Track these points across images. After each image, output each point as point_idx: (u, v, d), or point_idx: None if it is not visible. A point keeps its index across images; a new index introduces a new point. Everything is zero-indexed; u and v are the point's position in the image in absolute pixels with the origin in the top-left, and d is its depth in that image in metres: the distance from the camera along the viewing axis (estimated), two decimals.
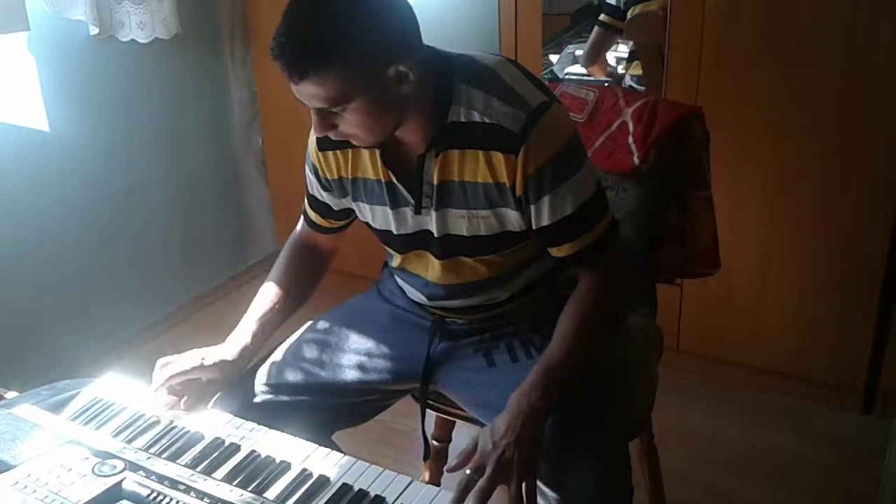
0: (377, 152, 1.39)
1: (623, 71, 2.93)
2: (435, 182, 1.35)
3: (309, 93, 1.22)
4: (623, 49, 2.95)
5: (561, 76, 3.02)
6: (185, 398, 1.37)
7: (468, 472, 1.21)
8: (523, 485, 1.21)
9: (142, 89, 2.81)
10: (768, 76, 2.22)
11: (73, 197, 2.63)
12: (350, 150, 1.43)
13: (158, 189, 2.94)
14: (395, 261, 1.54)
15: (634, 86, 2.83)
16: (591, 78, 2.97)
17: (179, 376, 1.38)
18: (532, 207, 1.32)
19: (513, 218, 1.35)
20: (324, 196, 1.54)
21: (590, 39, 2.90)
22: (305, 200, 1.60)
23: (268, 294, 1.56)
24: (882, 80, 2.09)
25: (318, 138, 1.46)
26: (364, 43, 1.19)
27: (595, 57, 2.91)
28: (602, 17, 2.83)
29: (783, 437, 2.35)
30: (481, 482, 1.18)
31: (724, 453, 2.29)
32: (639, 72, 2.80)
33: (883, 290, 2.25)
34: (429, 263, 1.46)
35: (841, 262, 2.28)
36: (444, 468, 1.26)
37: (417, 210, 1.39)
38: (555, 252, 1.38)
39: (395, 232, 1.45)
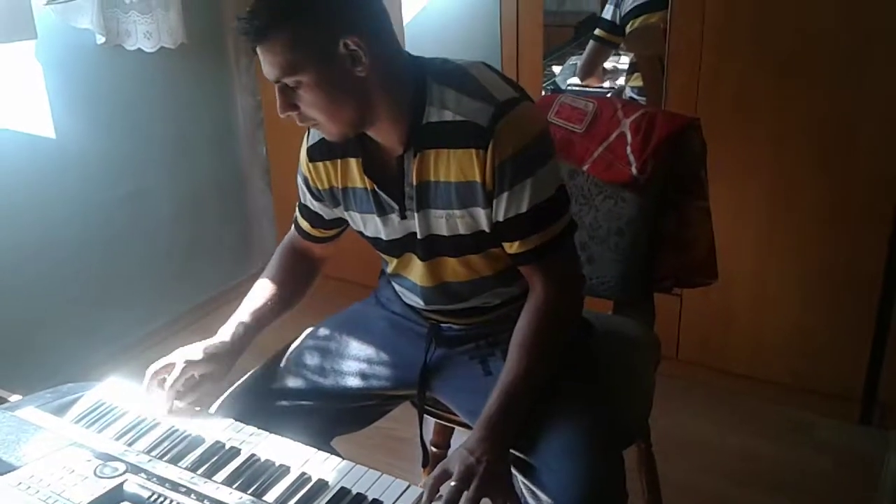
0: (360, 161, 1.41)
1: (623, 83, 2.95)
2: (414, 182, 1.37)
3: (266, 60, 1.27)
4: (624, 61, 2.97)
5: (563, 87, 3.04)
6: (184, 398, 1.40)
7: (453, 483, 1.21)
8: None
9: (147, 98, 2.84)
10: (767, 87, 2.24)
11: (79, 203, 2.65)
12: (339, 161, 1.46)
13: (163, 196, 2.96)
14: (390, 266, 1.55)
15: (635, 97, 2.84)
16: (592, 89, 2.98)
17: (175, 383, 1.38)
18: (495, 202, 1.34)
19: (483, 217, 1.36)
20: (315, 206, 1.57)
21: (585, 53, 2.92)
22: (297, 209, 1.63)
23: (262, 290, 1.59)
24: (880, 90, 2.10)
25: (308, 149, 1.50)
26: (312, 11, 1.25)
27: (590, 71, 2.93)
28: (597, 31, 2.85)
29: (782, 446, 2.35)
30: (470, 492, 1.19)
31: (723, 462, 2.30)
32: (639, 83, 2.82)
33: (881, 300, 2.26)
34: (415, 266, 1.48)
35: (839, 273, 2.29)
36: (419, 485, 1.26)
37: (402, 214, 1.41)
38: (507, 248, 1.39)
39: (384, 238, 1.47)
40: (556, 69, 3.13)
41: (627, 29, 2.74)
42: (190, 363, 1.42)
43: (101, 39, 2.53)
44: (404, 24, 2.78)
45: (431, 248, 1.43)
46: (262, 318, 1.55)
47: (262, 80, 3.17)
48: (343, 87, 1.29)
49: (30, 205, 2.50)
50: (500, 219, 1.34)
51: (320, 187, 1.52)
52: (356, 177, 1.44)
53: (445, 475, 1.23)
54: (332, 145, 1.43)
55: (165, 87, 2.89)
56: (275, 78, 1.28)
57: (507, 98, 1.31)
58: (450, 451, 1.92)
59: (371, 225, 1.48)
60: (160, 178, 2.94)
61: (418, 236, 1.42)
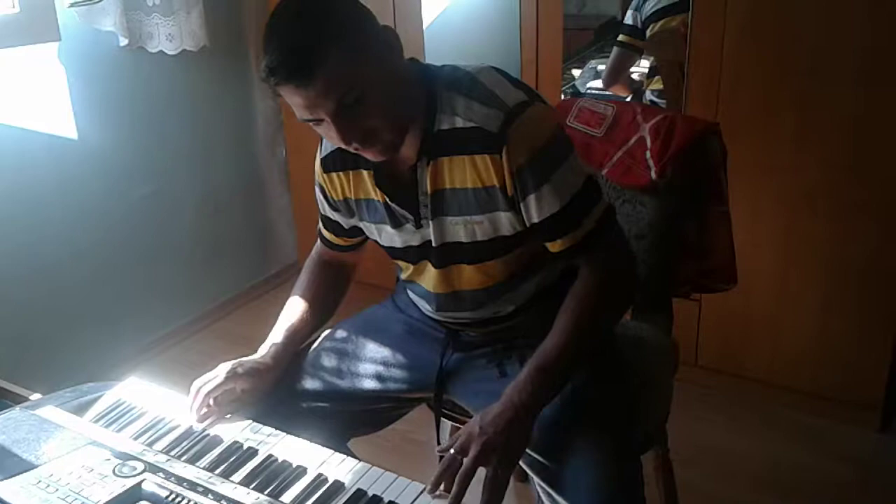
0: (372, 173, 1.41)
1: (644, 86, 2.93)
2: (429, 191, 1.37)
3: (323, 92, 1.21)
4: (644, 64, 2.95)
5: (583, 91, 3.03)
6: (221, 409, 1.40)
7: (452, 452, 1.23)
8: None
9: (169, 99, 2.86)
10: (788, 91, 2.22)
11: (100, 204, 2.68)
12: (352, 172, 1.46)
13: (183, 197, 2.98)
14: (405, 273, 1.55)
15: (655, 100, 2.83)
16: (609, 93, 2.97)
17: (215, 390, 1.40)
18: (521, 206, 1.33)
19: (505, 220, 1.36)
20: (334, 216, 1.57)
21: (609, 60, 2.89)
22: (319, 221, 1.63)
23: (295, 306, 1.59)
24: None
25: (322, 160, 1.50)
26: (349, 25, 1.24)
27: (616, 77, 2.90)
28: (620, 37, 2.83)
29: (801, 453, 2.34)
30: (465, 462, 1.20)
31: (742, 469, 2.29)
32: (660, 86, 2.81)
33: None
34: (429, 273, 1.48)
35: (860, 279, 2.27)
36: (436, 450, 1.27)
37: (417, 224, 1.41)
38: (550, 247, 1.39)
39: (400, 247, 1.48)
40: (576, 73, 3.11)
41: (648, 33, 2.72)
42: (232, 377, 1.43)
43: (123, 41, 2.55)
44: (424, 28, 2.79)
45: (447, 255, 1.42)
46: (299, 333, 1.57)
47: None
48: (393, 78, 1.29)
49: (52, 205, 2.52)
50: (536, 220, 1.34)
51: (335, 197, 1.52)
52: (369, 188, 1.44)
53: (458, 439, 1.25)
54: (344, 156, 1.43)
55: (187, 89, 2.91)
56: (334, 105, 1.23)
57: (517, 102, 1.30)
58: None
59: (386, 235, 1.48)
60: (180, 179, 2.96)
61: (433, 244, 1.42)
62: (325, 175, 1.51)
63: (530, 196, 1.31)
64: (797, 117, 2.23)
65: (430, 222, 1.39)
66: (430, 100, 1.34)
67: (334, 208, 1.55)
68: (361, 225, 1.53)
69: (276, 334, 1.55)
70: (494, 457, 1.22)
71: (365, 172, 1.44)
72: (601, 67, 3.12)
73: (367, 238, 1.61)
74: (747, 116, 2.28)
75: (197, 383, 1.41)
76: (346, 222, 1.56)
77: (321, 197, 1.57)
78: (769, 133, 2.27)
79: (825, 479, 2.24)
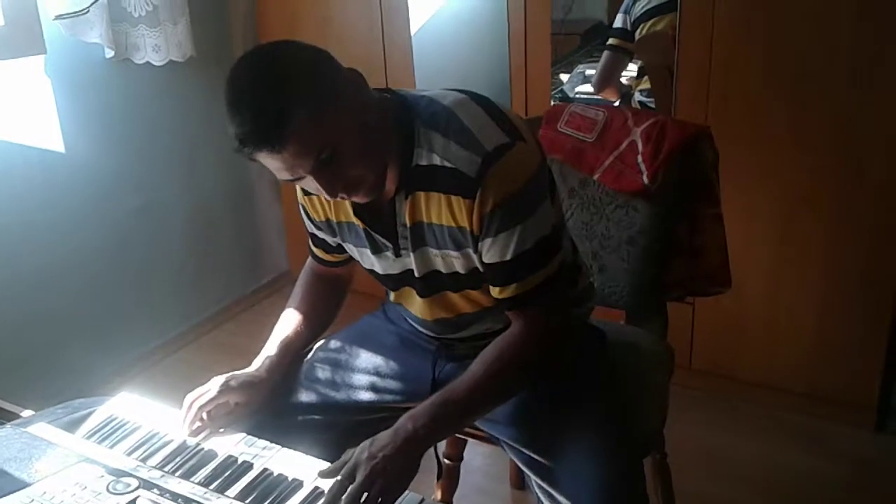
0: (351, 202, 1.38)
1: (632, 87, 2.93)
2: (408, 223, 1.35)
3: (297, 153, 1.19)
4: (632, 66, 2.95)
5: (571, 95, 3.03)
6: (215, 422, 1.38)
7: (339, 478, 1.20)
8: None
9: (157, 111, 2.85)
10: (779, 93, 2.23)
11: (88, 217, 2.66)
12: None
13: (172, 209, 2.97)
14: (391, 295, 1.56)
15: (644, 100, 2.83)
16: (600, 97, 2.97)
17: (208, 404, 1.38)
18: (480, 245, 1.32)
19: (475, 258, 1.35)
20: (320, 234, 1.56)
21: (600, 64, 2.87)
22: (309, 240, 1.62)
23: (290, 319, 1.58)
24: (892, 98, 2.09)
25: None
26: (310, 85, 1.19)
27: (607, 81, 2.89)
28: (611, 40, 2.82)
29: (797, 454, 2.34)
30: (352, 488, 1.17)
31: (738, 471, 2.28)
32: (648, 86, 2.81)
33: (895, 307, 2.25)
34: (414, 300, 1.48)
35: (853, 280, 2.27)
36: (318, 472, 1.24)
37: (397, 253, 1.40)
38: (492, 291, 1.38)
39: (381, 273, 1.47)
40: (564, 77, 3.12)
41: (637, 35, 2.72)
42: (225, 390, 1.41)
43: (109, 53, 2.54)
44: (412, 34, 2.78)
45: (431, 284, 1.42)
46: (293, 345, 1.55)
47: None
48: (364, 124, 1.25)
49: (39, 219, 2.51)
50: (487, 262, 1.33)
51: (316, 218, 1.52)
52: (349, 211, 1.42)
53: (345, 463, 1.23)
54: None
55: (174, 100, 2.90)
56: (312, 163, 1.21)
57: (496, 146, 1.26)
58: (462, 465, 1.92)
59: (366, 258, 1.48)
60: (170, 191, 2.95)
61: (416, 274, 1.41)
62: (305, 197, 1.50)
63: (488, 239, 1.30)
64: (788, 119, 2.23)
65: (412, 253, 1.38)
66: (408, 134, 1.31)
67: (317, 227, 1.54)
68: (344, 245, 1.52)
69: (271, 347, 1.54)
70: (380, 483, 1.19)
71: None
72: (589, 72, 3.12)
73: None
74: (738, 119, 2.28)
75: (189, 397, 1.39)
76: (331, 240, 1.55)
77: (304, 217, 1.56)
78: (760, 135, 2.28)
79: (822, 480, 2.24)
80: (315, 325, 1.59)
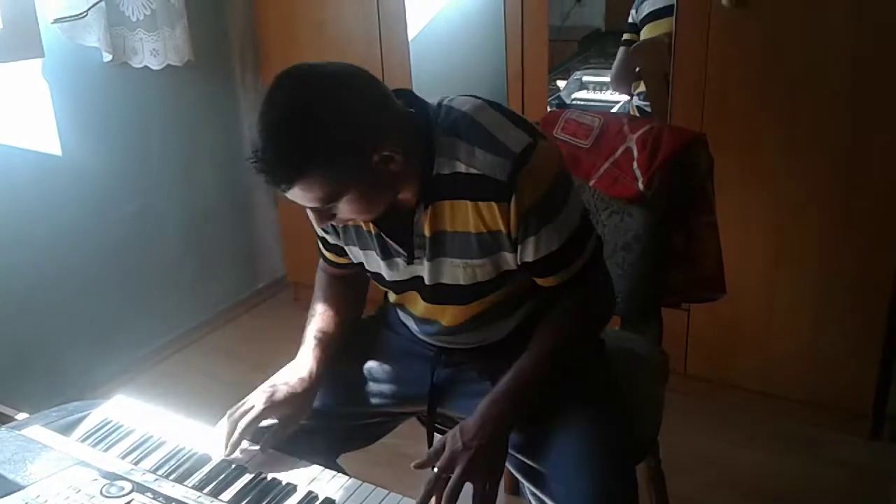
0: None
1: (632, 90, 2.93)
2: (427, 234, 1.35)
3: (300, 196, 1.23)
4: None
5: (568, 102, 3.03)
6: (262, 443, 1.35)
7: (436, 470, 1.23)
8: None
9: (154, 115, 2.85)
10: (775, 101, 2.23)
11: (86, 220, 2.66)
12: None
13: (170, 213, 2.97)
14: (391, 297, 1.55)
15: (641, 104, 2.84)
16: (598, 103, 2.98)
17: (253, 423, 1.34)
18: (520, 246, 1.32)
19: (509, 259, 1.35)
20: (331, 238, 1.53)
21: (616, 59, 2.88)
22: (319, 244, 1.60)
23: (324, 319, 1.54)
24: (886, 105, 2.09)
25: None
26: (341, 141, 1.19)
27: (623, 76, 2.89)
28: (625, 36, 2.83)
29: (792, 462, 2.34)
30: (452, 480, 1.20)
31: (732, 478, 2.28)
32: (644, 88, 2.81)
33: (890, 314, 2.25)
34: (419, 305, 1.47)
35: (848, 287, 2.27)
36: (412, 465, 1.26)
37: (410, 261, 1.39)
38: (541, 282, 1.39)
39: (387, 278, 1.46)
40: (561, 84, 3.12)
41: (642, 34, 2.73)
42: (270, 407, 1.38)
43: (107, 57, 2.55)
44: (409, 40, 2.79)
45: (440, 294, 1.41)
46: (331, 345, 1.52)
47: None
48: (381, 187, 1.27)
49: (37, 222, 2.51)
50: (530, 259, 1.33)
51: None
52: None
53: (439, 454, 1.25)
54: None
55: (172, 104, 2.90)
56: (312, 206, 1.26)
57: (523, 148, 1.26)
58: None
59: (373, 262, 1.46)
60: (167, 195, 2.95)
61: (426, 282, 1.40)
62: None
63: (531, 238, 1.31)
64: (784, 127, 2.24)
65: (426, 262, 1.37)
66: (427, 144, 1.31)
67: (324, 229, 1.52)
68: (347, 248, 1.50)
69: (308, 351, 1.49)
70: (482, 472, 1.23)
71: None
72: (586, 78, 3.13)
73: None
74: (734, 126, 2.29)
75: (232, 415, 1.35)
76: (340, 242, 1.53)
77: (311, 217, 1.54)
78: (755, 142, 2.28)
79: (816, 488, 2.24)
80: (346, 325, 1.57)
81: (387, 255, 1.42)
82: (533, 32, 2.58)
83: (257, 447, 1.33)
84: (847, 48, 2.10)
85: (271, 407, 1.38)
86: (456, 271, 1.37)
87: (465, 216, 1.31)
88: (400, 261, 1.41)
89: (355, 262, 1.52)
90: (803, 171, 2.24)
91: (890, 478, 2.22)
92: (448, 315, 1.45)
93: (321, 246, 1.60)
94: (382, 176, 1.25)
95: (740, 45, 2.23)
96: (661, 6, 2.61)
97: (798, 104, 2.20)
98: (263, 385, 1.42)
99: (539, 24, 2.57)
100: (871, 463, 2.32)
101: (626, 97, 2.97)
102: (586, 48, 3.21)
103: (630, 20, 2.80)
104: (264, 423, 1.37)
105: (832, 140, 2.19)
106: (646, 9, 2.73)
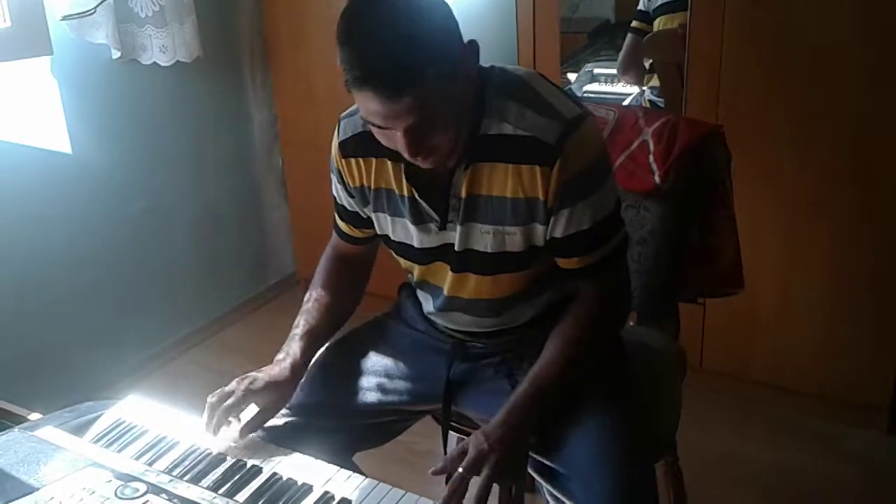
0: (401, 165, 1.36)
1: (644, 83, 2.92)
2: (463, 195, 1.33)
3: (406, 108, 1.17)
4: (645, 61, 2.93)
5: (580, 94, 3.02)
6: (241, 429, 1.35)
7: (461, 470, 1.22)
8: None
9: (163, 111, 2.84)
10: (790, 94, 2.21)
11: (96, 218, 2.65)
12: (374, 160, 1.40)
13: (180, 210, 2.96)
14: (415, 273, 1.51)
15: (654, 98, 2.82)
16: (611, 96, 2.96)
17: (233, 409, 1.34)
18: (552, 218, 1.31)
19: (541, 232, 1.33)
20: (352, 204, 1.51)
21: (624, 47, 2.88)
22: (335, 213, 1.57)
23: (312, 311, 1.53)
24: None
25: (340, 144, 1.44)
26: (446, 48, 1.19)
27: (630, 64, 2.89)
28: (634, 23, 2.81)
29: (808, 456, 2.32)
30: (481, 481, 1.20)
31: (750, 474, 2.27)
32: (659, 84, 2.79)
33: None
34: (446, 275, 1.44)
35: (864, 281, 2.25)
36: (430, 471, 1.25)
37: (443, 225, 1.37)
38: (563, 263, 1.38)
39: (416, 245, 1.43)
40: (572, 77, 3.11)
41: (655, 25, 2.71)
42: (249, 394, 1.37)
43: (116, 54, 2.54)
44: None
45: (468, 261, 1.39)
46: (319, 340, 1.51)
47: (277, 94, 3.17)
48: (467, 99, 1.26)
49: (46, 220, 2.50)
50: (559, 235, 1.32)
51: (352, 184, 1.47)
52: (391, 179, 1.39)
53: (462, 457, 1.24)
54: (367, 142, 1.36)
55: (181, 101, 2.89)
56: (411, 124, 1.19)
57: (574, 115, 1.27)
58: None
59: (401, 230, 1.44)
60: (176, 192, 2.94)
61: (456, 248, 1.38)
62: (342, 160, 1.45)
63: (564, 210, 1.29)
64: (798, 120, 2.22)
65: (458, 226, 1.35)
66: (477, 102, 1.30)
67: (350, 195, 1.49)
68: (374, 216, 1.47)
69: (294, 343, 1.48)
70: (508, 474, 1.24)
71: (390, 163, 1.38)
72: (597, 70, 3.12)
73: None
74: (748, 119, 2.26)
75: (212, 402, 1.35)
76: (362, 211, 1.51)
77: (338, 184, 1.51)
78: (770, 135, 2.26)
79: (834, 483, 2.22)
80: (338, 317, 1.55)
81: (419, 220, 1.39)
82: (544, 25, 2.56)
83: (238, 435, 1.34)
84: (862, 41, 2.08)
85: (250, 394, 1.37)
86: (486, 238, 1.35)
87: (503, 180, 1.30)
88: (432, 226, 1.39)
89: (380, 233, 1.49)
90: (818, 165, 2.22)
91: None
92: (472, 287, 1.42)
93: (337, 216, 1.57)
94: (465, 79, 1.24)
95: (754, 38, 2.21)
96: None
97: (813, 98, 2.18)
98: (245, 376, 1.41)
99: (550, 16, 2.56)
100: (888, 457, 2.30)
101: (636, 89, 2.95)
102: (596, 40, 3.20)
103: (641, 7, 2.78)
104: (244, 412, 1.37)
105: (847, 134, 2.16)
106: (657, 0, 2.71)
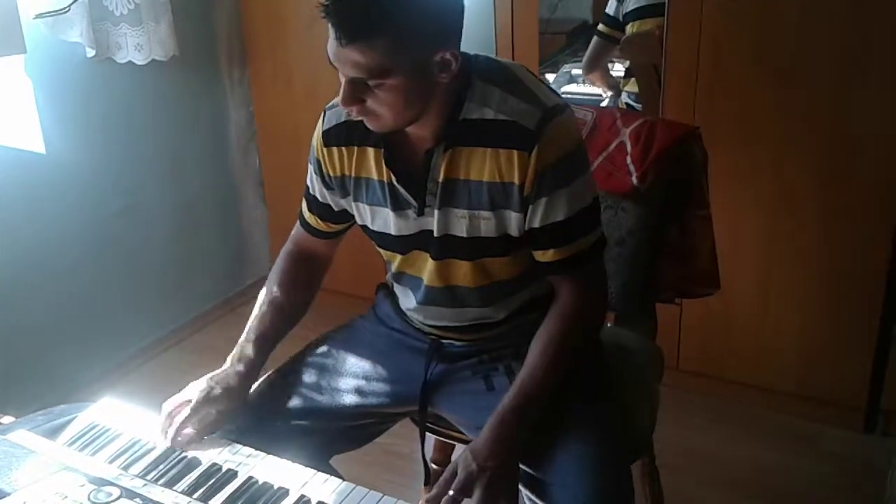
0: (381, 152, 1.37)
1: (620, 86, 2.93)
2: (440, 179, 1.33)
3: (351, 59, 1.19)
4: (619, 67, 2.95)
5: None
6: (199, 433, 1.35)
7: (452, 493, 1.21)
8: None
9: (139, 111, 2.81)
10: (766, 95, 2.22)
11: (70, 219, 2.62)
12: (356, 149, 1.41)
13: (155, 210, 2.93)
14: (394, 264, 1.50)
15: (631, 103, 2.83)
16: (588, 97, 2.97)
17: (191, 416, 1.35)
18: (531, 207, 1.31)
19: (514, 221, 1.34)
20: (325, 196, 1.51)
21: (589, 49, 2.90)
22: (304, 204, 1.57)
23: (266, 311, 1.53)
24: (882, 95, 2.09)
25: (323, 133, 1.44)
26: (419, 20, 1.20)
27: (594, 66, 2.92)
28: (600, 27, 2.83)
29: (786, 456, 2.33)
30: (472, 502, 1.19)
31: (727, 473, 2.28)
32: (636, 89, 2.80)
33: (884, 307, 2.24)
34: (425, 264, 1.44)
35: (841, 280, 2.27)
36: (425, 499, 1.24)
37: (420, 211, 1.37)
38: (539, 256, 1.38)
39: (394, 234, 1.43)
40: (550, 77, 3.11)
41: (627, 30, 2.72)
42: (206, 400, 1.38)
43: (91, 53, 2.51)
44: None
45: (446, 248, 1.39)
46: (270, 339, 1.51)
47: (254, 92, 3.15)
48: (421, 91, 1.26)
49: (20, 221, 2.47)
50: (536, 225, 1.33)
51: (332, 174, 1.46)
52: (372, 167, 1.40)
53: (453, 478, 1.24)
54: (350, 132, 1.39)
55: (157, 99, 2.87)
56: (355, 76, 1.21)
57: (555, 104, 1.30)
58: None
59: (380, 219, 1.44)
60: (153, 192, 2.91)
61: (435, 234, 1.38)
62: (324, 149, 1.45)
63: (542, 199, 1.30)
64: (776, 120, 2.23)
65: (436, 211, 1.36)
66: (461, 87, 1.31)
67: (328, 186, 1.49)
68: (354, 206, 1.47)
69: (247, 344, 1.49)
70: (501, 493, 1.23)
71: (371, 150, 1.39)
72: (575, 71, 3.12)
73: (348, 228, 1.56)
74: (725, 120, 2.28)
75: (167, 408, 1.36)
76: (336, 204, 1.50)
77: (315, 175, 1.50)
78: (748, 135, 2.27)
79: (809, 481, 2.24)
80: (291, 317, 1.55)
81: (397, 206, 1.39)
82: (523, 26, 2.56)
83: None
84: (841, 39, 2.09)
85: (207, 401, 1.38)
86: (462, 223, 1.35)
87: (481, 164, 1.31)
88: (410, 212, 1.39)
89: (360, 222, 1.49)
90: (796, 164, 2.23)
91: (883, 471, 2.21)
92: (453, 273, 1.42)
93: (305, 207, 1.56)
94: (430, 81, 1.25)
95: (733, 37, 2.22)
96: (645, 4, 2.61)
97: (790, 98, 2.19)
98: (201, 380, 1.42)
99: (529, 17, 2.56)
100: (864, 456, 2.32)
101: (607, 90, 2.97)
102: (574, 41, 3.20)
103: (610, 12, 2.79)
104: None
105: (825, 133, 2.18)
106: (631, 4, 2.71)
